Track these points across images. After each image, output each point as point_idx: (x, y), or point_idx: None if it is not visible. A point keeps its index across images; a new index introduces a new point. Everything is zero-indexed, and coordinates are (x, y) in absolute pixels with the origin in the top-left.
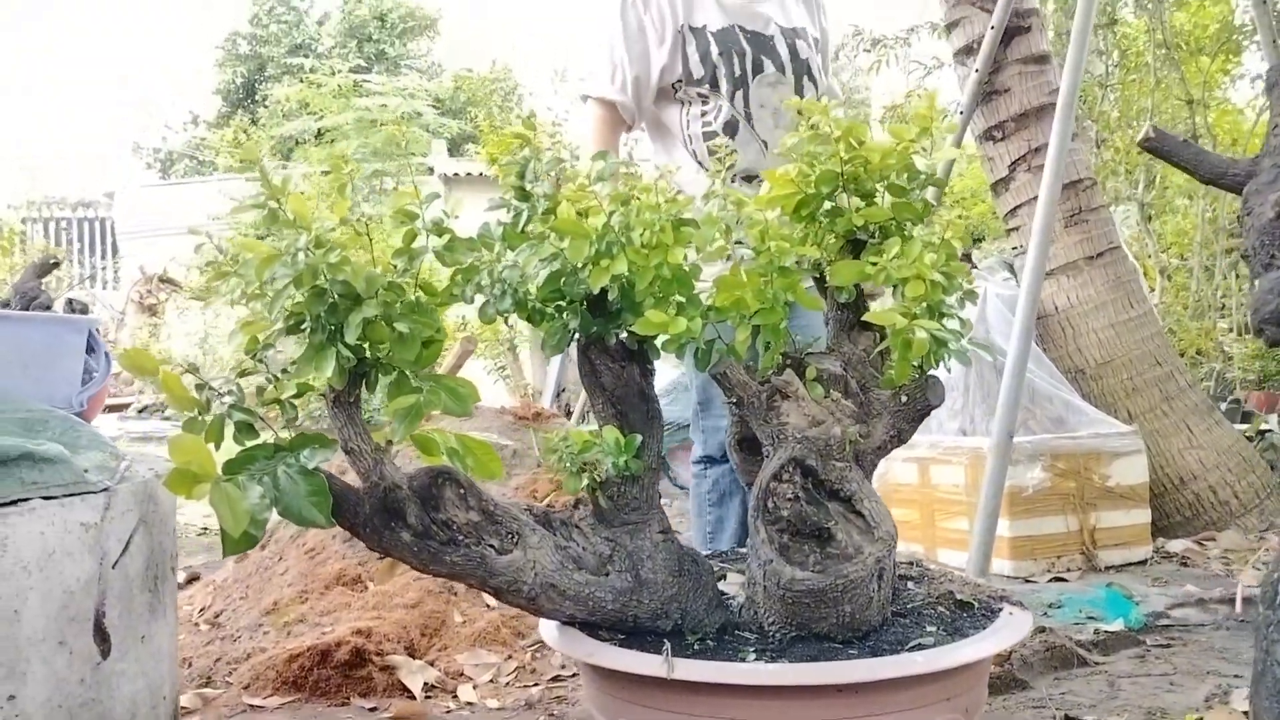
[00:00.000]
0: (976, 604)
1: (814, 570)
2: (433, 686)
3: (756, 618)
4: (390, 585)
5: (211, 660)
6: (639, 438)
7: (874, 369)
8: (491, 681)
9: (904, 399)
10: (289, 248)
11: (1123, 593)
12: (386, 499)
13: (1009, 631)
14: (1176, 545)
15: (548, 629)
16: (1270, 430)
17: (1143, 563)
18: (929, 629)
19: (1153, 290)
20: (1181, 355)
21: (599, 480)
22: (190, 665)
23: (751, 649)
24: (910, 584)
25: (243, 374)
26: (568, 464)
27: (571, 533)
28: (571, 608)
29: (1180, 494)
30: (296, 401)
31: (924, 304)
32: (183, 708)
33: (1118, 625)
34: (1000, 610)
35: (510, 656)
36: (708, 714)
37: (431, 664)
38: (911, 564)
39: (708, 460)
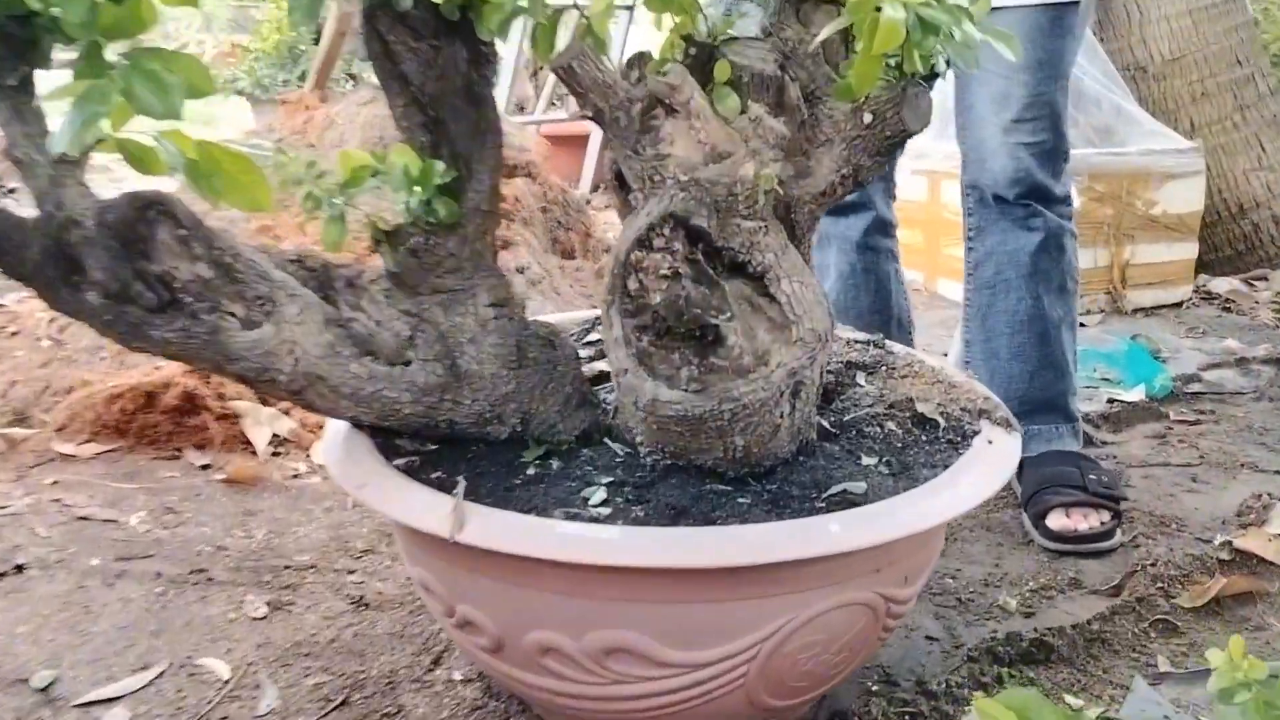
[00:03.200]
0: (943, 421)
1: (688, 389)
2: (284, 440)
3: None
4: None
5: (38, 389)
6: (446, 163)
7: (831, 69)
8: None
9: (867, 119)
10: None
11: (1149, 348)
12: (60, 240)
13: (977, 478)
14: (1221, 285)
15: (330, 434)
16: None
17: (1178, 305)
18: (865, 461)
19: None
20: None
21: (385, 230)
22: (6, 395)
23: (606, 480)
24: (860, 376)
25: None
26: (321, 205)
27: (360, 301)
28: (351, 408)
29: (1236, 224)
30: None
31: None
32: None
33: (1137, 393)
34: (974, 434)
35: None
36: (516, 583)
37: (286, 413)
38: (869, 343)
39: None
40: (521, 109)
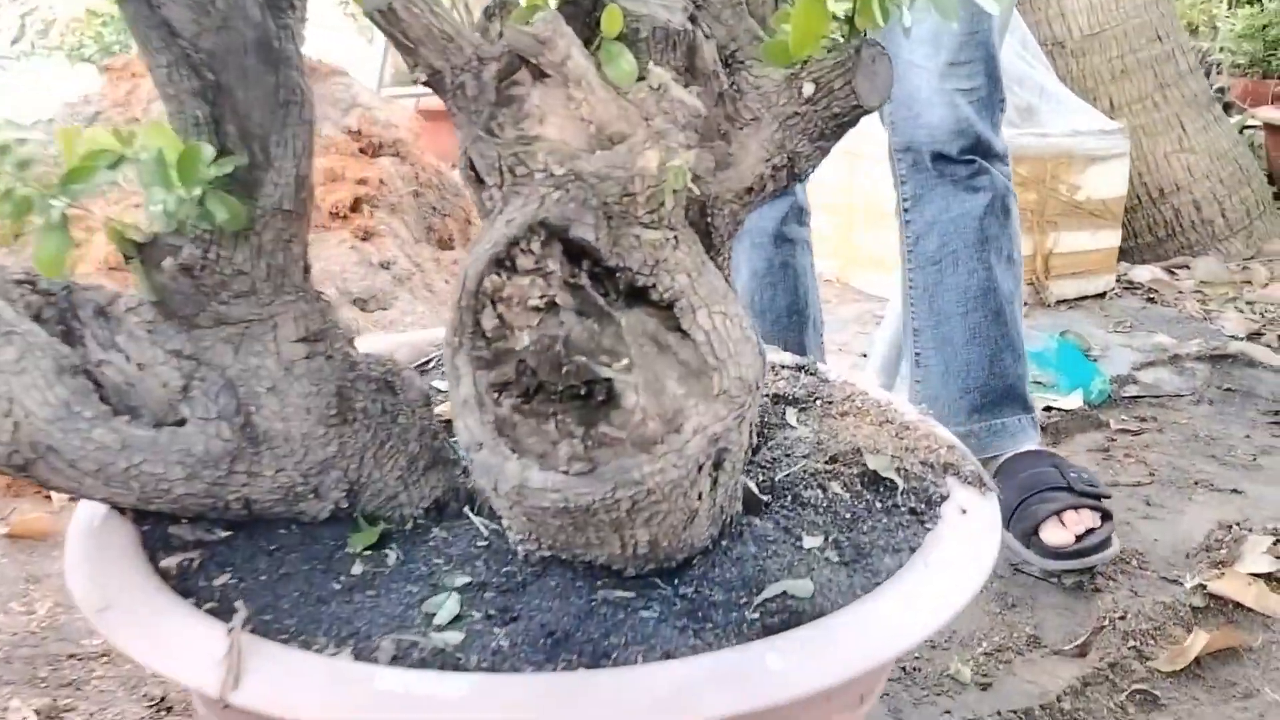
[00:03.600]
0: (901, 481)
1: (570, 471)
2: None
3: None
4: None
5: None
6: (231, 146)
7: (756, 23)
8: None
9: (807, 91)
10: None
11: (1080, 345)
12: None
13: (957, 567)
14: (1142, 274)
15: (77, 521)
16: (1254, 127)
17: (1101, 295)
18: (808, 543)
19: None
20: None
21: (136, 241)
22: None
23: (461, 582)
24: (792, 414)
25: None
26: (32, 207)
27: (114, 337)
28: (100, 488)
29: (1157, 209)
30: None
31: None
32: None
33: (1074, 400)
34: (941, 498)
35: None
36: None
37: None
38: (801, 370)
39: None
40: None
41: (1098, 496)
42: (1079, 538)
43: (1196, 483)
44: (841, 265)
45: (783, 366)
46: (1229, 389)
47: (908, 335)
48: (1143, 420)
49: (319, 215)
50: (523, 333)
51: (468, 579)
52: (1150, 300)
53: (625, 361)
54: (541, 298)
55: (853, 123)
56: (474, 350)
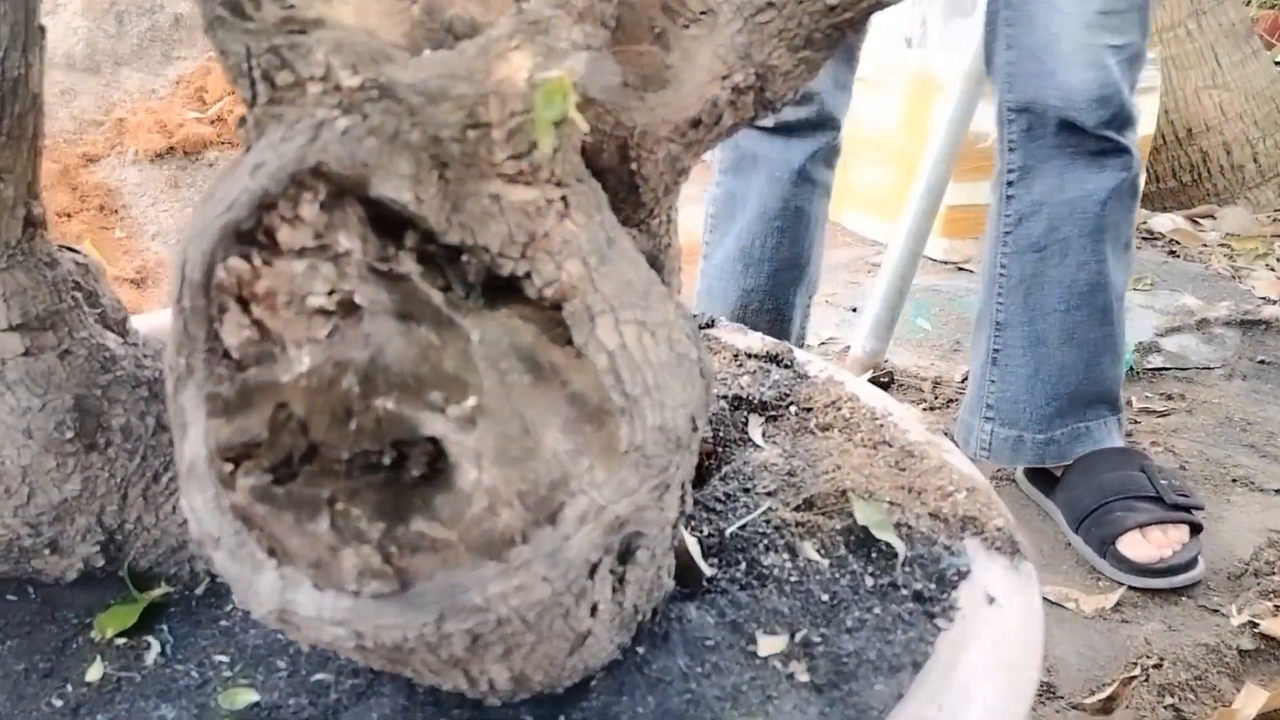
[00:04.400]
0: (902, 547)
1: (365, 591)
2: None
3: None
4: None
5: None
6: None
7: None
8: None
9: None
10: None
11: None
12: None
13: (984, 700)
14: (1163, 222)
15: None
16: None
17: None
18: (764, 651)
19: None
20: None
21: None
22: None
23: (245, 699)
24: (756, 426)
25: None
26: None
27: None
28: None
29: (1183, 150)
30: None
31: None
32: None
33: None
34: (958, 575)
35: None
36: None
37: None
38: (774, 360)
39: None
40: None
41: (1189, 509)
42: (1165, 556)
43: (1234, 480)
44: (833, 204)
45: (749, 355)
46: (1263, 361)
47: (985, 327)
48: (1169, 399)
49: None
50: (301, 350)
51: (254, 697)
52: (1172, 254)
53: (471, 403)
54: (331, 294)
55: (857, 23)
56: (207, 382)
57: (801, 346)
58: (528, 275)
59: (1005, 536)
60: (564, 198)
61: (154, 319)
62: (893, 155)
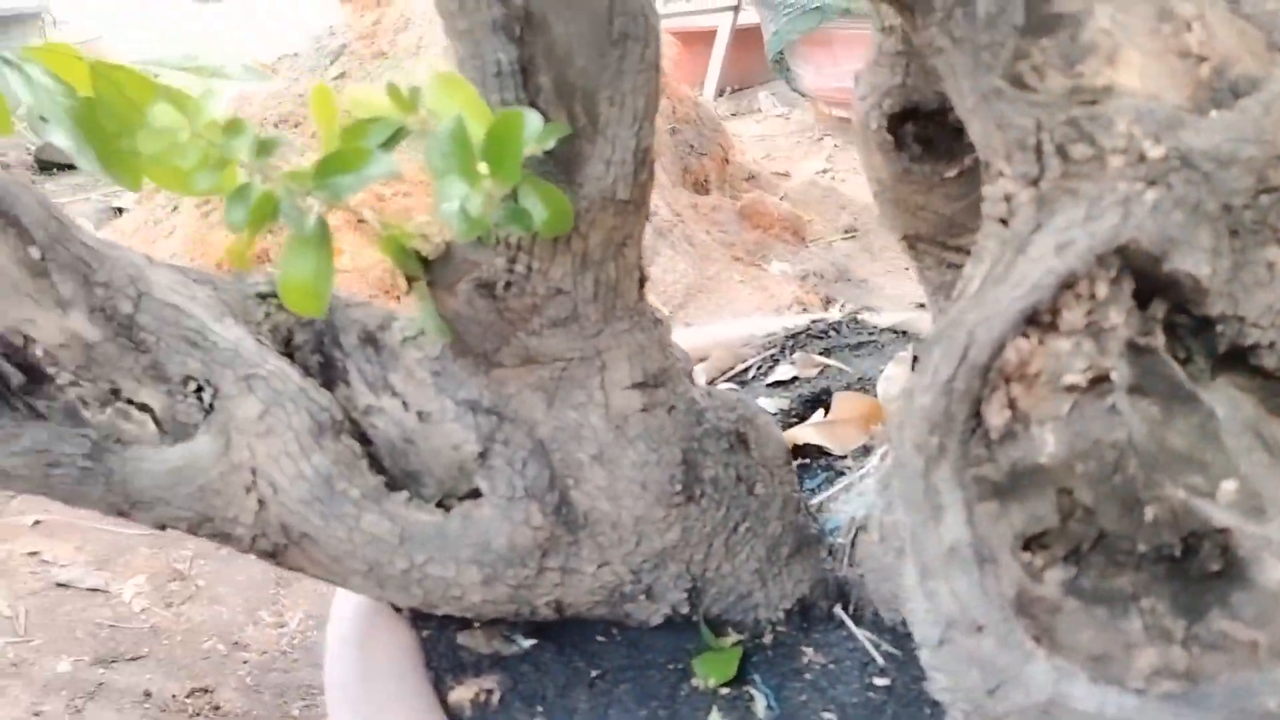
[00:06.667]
0: None
1: (1153, 690)
2: None
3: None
4: None
5: None
6: (548, 107)
7: None
8: None
9: None
10: None
11: None
12: None
13: None
14: None
15: (339, 617)
16: None
17: None
18: None
19: None
20: None
21: (422, 255)
22: None
23: None
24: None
25: None
26: (279, 211)
27: (387, 374)
28: (373, 589)
29: None
30: None
31: None
32: None
33: None
34: None
35: None
36: None
37: None
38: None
39: None
40: None
41: None
42: None
43: None
44: None
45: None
46: None
47: None
48: None
49: None
50: (1044, 429)
51: None
52: None
53: (1232, 486)
54: (1086, 370)
55: None
56: (969, 463)
57: None
58: (1271, 345)
59: None
60: None
61: None
62: None
